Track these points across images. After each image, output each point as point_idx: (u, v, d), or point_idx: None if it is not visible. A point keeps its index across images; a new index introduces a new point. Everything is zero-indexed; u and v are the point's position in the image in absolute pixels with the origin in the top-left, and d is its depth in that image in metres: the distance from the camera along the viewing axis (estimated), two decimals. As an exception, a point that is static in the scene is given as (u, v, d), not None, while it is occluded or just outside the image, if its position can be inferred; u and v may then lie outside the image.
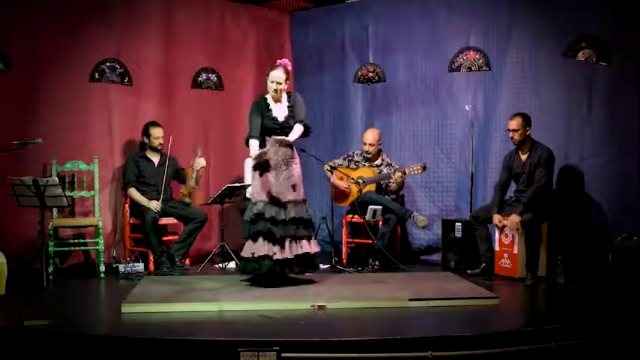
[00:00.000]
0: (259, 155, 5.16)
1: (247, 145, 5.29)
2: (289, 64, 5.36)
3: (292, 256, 5.09)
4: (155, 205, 6.06)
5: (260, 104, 5.29)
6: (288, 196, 5.14)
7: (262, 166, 5.16)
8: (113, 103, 6.43)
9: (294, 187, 5.18)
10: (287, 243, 5.09)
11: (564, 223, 5.83)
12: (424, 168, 6.32)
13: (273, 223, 5.06)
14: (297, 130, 5.29)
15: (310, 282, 5.28)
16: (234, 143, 7.12)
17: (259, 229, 5.07)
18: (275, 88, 5.21)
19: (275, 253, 5.04)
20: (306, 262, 5.23)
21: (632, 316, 4.34)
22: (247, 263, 5.17)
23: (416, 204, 6.87)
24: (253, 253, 5.08)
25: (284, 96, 5.32)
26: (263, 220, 5.07)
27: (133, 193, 6.17)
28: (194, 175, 6.22)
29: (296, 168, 5.26)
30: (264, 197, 5.13)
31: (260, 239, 5.08)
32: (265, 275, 5.13)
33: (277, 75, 5.21)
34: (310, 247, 5.21)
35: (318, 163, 6.44)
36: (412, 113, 6.97)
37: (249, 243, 5.14)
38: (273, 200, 5.10)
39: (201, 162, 6.25)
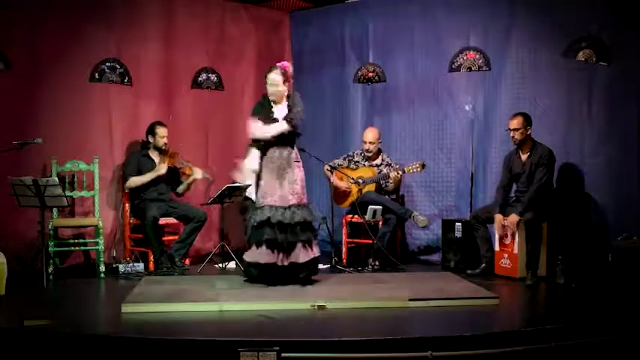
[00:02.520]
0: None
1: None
2: (288, 65, 5.29)
3: (299, 262, 5.07)
4: (163, 167, 6.15)
5: (263, 105, 5.26)
6: (292, 200, 5.13)
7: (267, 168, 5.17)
8: (113, 103, 6.42)
9: (297, 191, 5.16)
10: (293, 249, 5.07)
11: (564, 223, 5.83)
12: (423, 166, 6.32)
13: (280, 229, 5.03)
14: (280, 124, 5.17)
15: (310, 282, 5.26)
16: (234, 143, 7.12)
17: (265, 236, 5.03)
18: (272, 91, 5.21)
19: (278, 260, 5.04)
20: (312, 265, 5.20)
21: (632, 316, 4.34)
22: (251, 268, 5.18)
23: (416, 204, 6.87)
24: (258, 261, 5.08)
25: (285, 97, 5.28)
26: (269, 227, 5.04)
27: (134, 179, 6.13)
28: (188, 180, 6.33)
29: (299, 172, 5.24)
30: (269, 201, 5.11)
31: (263, 247, 5.04)
32: (268, 278, 5.11)
33: (271, 77, 5.19)
34: (313, 251, 5.19)
35: (318, 163, 6.43)
36: (412, 113, 6.96)
37: (253, 248, 5.12)
38: (279, 204, 5.08)
39: (197, 174, 6.27)
